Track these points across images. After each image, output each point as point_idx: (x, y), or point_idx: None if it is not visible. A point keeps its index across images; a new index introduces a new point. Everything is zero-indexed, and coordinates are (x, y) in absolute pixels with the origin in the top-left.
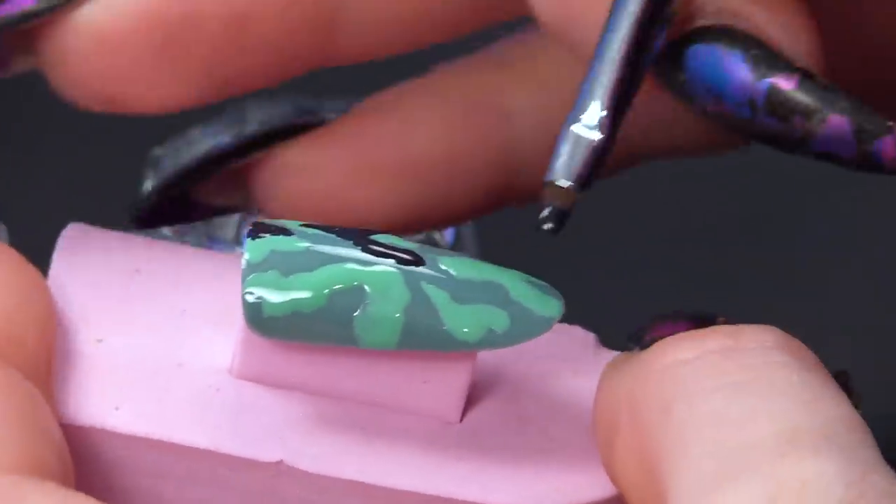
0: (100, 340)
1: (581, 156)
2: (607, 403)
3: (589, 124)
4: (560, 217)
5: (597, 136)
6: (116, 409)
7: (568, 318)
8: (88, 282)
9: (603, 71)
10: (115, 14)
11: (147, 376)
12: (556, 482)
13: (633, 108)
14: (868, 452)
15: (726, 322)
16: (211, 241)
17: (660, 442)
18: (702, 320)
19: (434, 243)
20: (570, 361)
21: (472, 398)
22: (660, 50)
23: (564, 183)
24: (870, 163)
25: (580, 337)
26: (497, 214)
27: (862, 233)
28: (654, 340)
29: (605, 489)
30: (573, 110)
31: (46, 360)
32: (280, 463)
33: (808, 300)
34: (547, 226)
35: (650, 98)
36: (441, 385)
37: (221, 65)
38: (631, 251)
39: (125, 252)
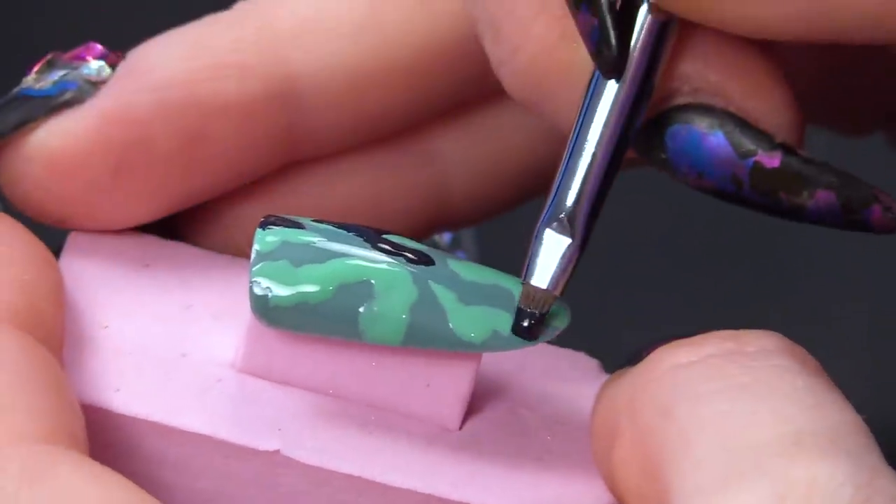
0: (106, 327)
1: (556, 261)
2: (606, 412)
3: (563, 228)
4: (539, 319)
5: (570, 241)
6: (117, 390)
7: (567, 336)
8: (97, 272)
9: (576, 171)
10: (67, 140)
11: (150, 363)
12: (551, 491)
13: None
14: (873, 457)
15: None
16: None
17: (661, 445)
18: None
19: (433, 243)
20: (572, 382)
21: (472, 408)
22: (638, 128)
23: (542, 286)
24: (860, 228)
25: (583, 362)
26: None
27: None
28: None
29: (602, 501)
30: (547, 209)
31: (61, 334)
32: (277, 453)
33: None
34: (526, 328)
35: None
36: (443, 389)
37: (177, 184)
38: (634, 269)
39: (135, 247)
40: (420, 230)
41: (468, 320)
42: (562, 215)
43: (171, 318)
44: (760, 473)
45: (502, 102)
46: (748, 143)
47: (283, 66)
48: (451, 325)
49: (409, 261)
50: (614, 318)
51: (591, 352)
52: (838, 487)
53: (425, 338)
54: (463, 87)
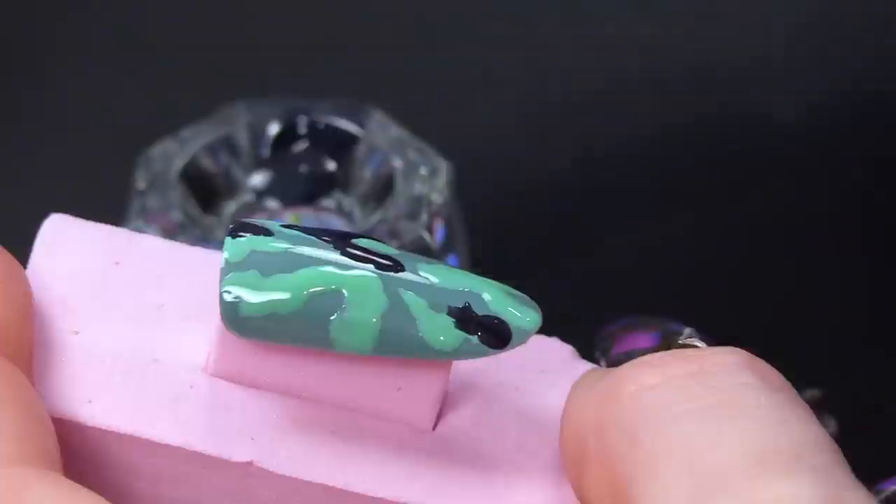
0: (76, 332)
1: None
2: (574, 430)
3: None
4: None
5: None
6: (89, 401)
7: (550, 323)
8: (68, 272)
9: None
10: None
11: (121, 370)
12: (525, 494)
13: None
14: (840, 472)
15: (693, 334)
16: (205, 242)
17: (629, 470)
18: (666, 335)
19: (424, 244)
20: (547, 373)
21: (446, 405)
22: None
23: None
24: None
25: (557, 349)
26: (487, 215)
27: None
28: (620, 357)
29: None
30: None
31: (29, 348)
32: (250, 464)
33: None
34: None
35: None
36: (415, 392)
37: None
38: (621, 262)
39: (106, 243)
40: None
41: (439, 328)
42: None
43: (142, 319)
44: (726, 495)
45: None
46: None
47: None
48: (421, 333)
49: (379, 266)
50: (594, 301)
51: (568, 330)
52: None
53: (396, 346)
54: None
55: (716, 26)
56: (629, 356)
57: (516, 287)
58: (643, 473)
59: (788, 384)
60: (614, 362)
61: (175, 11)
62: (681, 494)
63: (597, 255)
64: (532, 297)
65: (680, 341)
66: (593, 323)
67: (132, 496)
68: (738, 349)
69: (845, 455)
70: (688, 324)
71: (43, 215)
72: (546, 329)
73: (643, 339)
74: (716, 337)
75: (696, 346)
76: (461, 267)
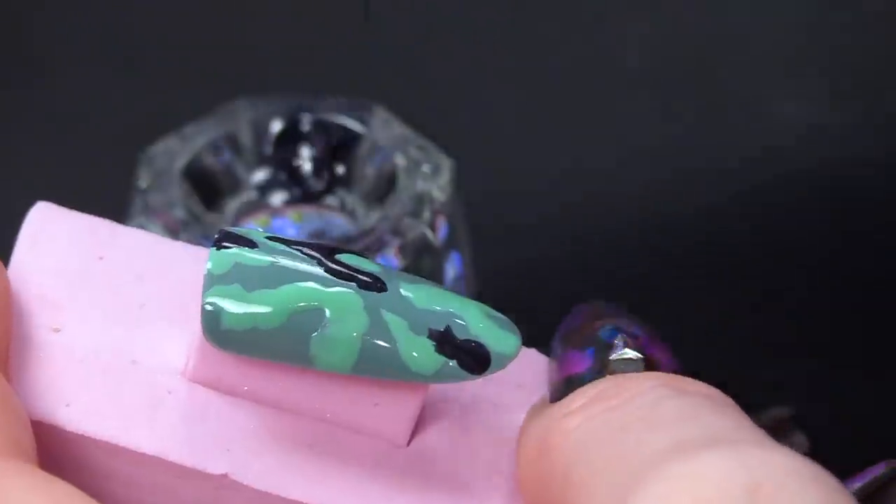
0: (57, 330)
1: None
2: (526, 486)
3: None
4: None
5: None
6: (67, 405)
7: (552, 322)
8: (50, 267)
9: None
10: None
11: (101, 372)
12: None
13: None
14: (763, 440)
15: (624, 344)
16: (206, 240)
17: None
18: (599, 352)
19: (427, 241)
20: (524, 387)
21: (422, 419)
22: None
23: None
24: None
25: (535, 360)
26: (489, 212)
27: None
28: (559, 386)
29: None
30: None
31: (4, 343)
32: (225, 476)
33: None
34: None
35: None
36: (391, 409)
37: None
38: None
39: (90, 237)
40: None
41: (418, 350)
42: None
43: (123, 318)
44: (645, 483)
45: None
46: None
47: None
48: (401, 355)
49: (362, 285)
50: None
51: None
52: (728, 474)
53: (375, 367)
54: None
55: (717, 26)
56: (568, 383)
57: (517, 288)
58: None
59: (712, 390)
60: (555, 390)
61: (177, 10)
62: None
63: (599, 253)
64: (526, 305)
65: (612, 357)
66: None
67: (108, 499)
68: (657, 373)
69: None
70: (671, 317)
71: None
72: (546, 328)
73: (580, 362)
74: (655, 328)
75: (629, 359)
76: (463, 265)
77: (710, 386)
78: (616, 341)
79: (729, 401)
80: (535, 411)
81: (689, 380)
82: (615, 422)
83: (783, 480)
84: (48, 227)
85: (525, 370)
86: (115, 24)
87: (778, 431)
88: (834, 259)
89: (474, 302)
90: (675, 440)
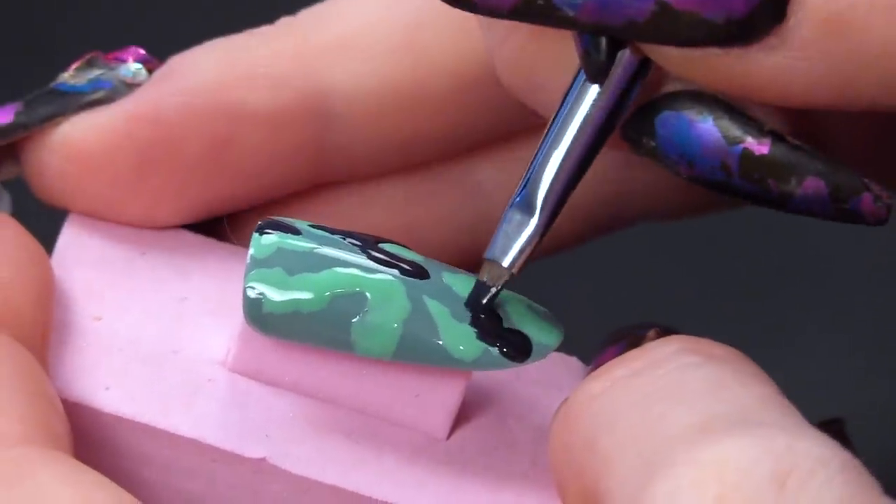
0: (98, 318)
1: (516, 239)
2: (553, 455)
3: (528, 208)
4: (492, 294)
5: (533, 221)
6: (107, 388)
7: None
8: (93, 259)
9: (549, 159)
10: (91, 135)
11: (141, 359)
12: None
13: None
14: (792, 422)
15: (658, 335)
16: None
17: (593, 477)
18: (631, 342)
19: None
20: (564, 391)
21: (461, 416)
22: (628, 116)
23: (500, 262)
24: (850, 219)
25: (574, 367)
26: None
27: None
28: (596, 368)
29: None
30: (518, 192)
31: (43, 331)
32: (263, 460)
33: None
34: (481, 300)
35: (629, 165)
36: (432, 400)
37: (202, 188)
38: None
39: (134, 233)
40: (455, 262)
41: (460, 337)
42: (530, 199)
43: (165, 311)
44: (672, 465)
45: None
46: (737, 131)
47: (318, 81)
48: (442, 341)
49: (404, 272)
50: (608, 315)
51: (588, 351)
52: (755, 461)
53: (416, 353)
54: (505, 116)
55: None
56: None
57: (537, 289)
58: (603, 476)
59: (736, 354)
60: None
61: (178, 10)
62: (633, 480)
63: (608, 251)
64: (553, 310)
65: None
66: (594, 330)
67: (143, 484)
68: (679, 336)
69: None
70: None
71: (49, 214)
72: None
73: (611, 353)
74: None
75: None
76: None
77: (733, 349)
78: (649, 333)
79: (754, 367)
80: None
81: (712, 342)
82: (639, 390)
83: (810, 469)
84: (90, 225)
85: (564, 374)
86: (117, 24)
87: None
88: None
89: (515, 294)
90: (702, 418)
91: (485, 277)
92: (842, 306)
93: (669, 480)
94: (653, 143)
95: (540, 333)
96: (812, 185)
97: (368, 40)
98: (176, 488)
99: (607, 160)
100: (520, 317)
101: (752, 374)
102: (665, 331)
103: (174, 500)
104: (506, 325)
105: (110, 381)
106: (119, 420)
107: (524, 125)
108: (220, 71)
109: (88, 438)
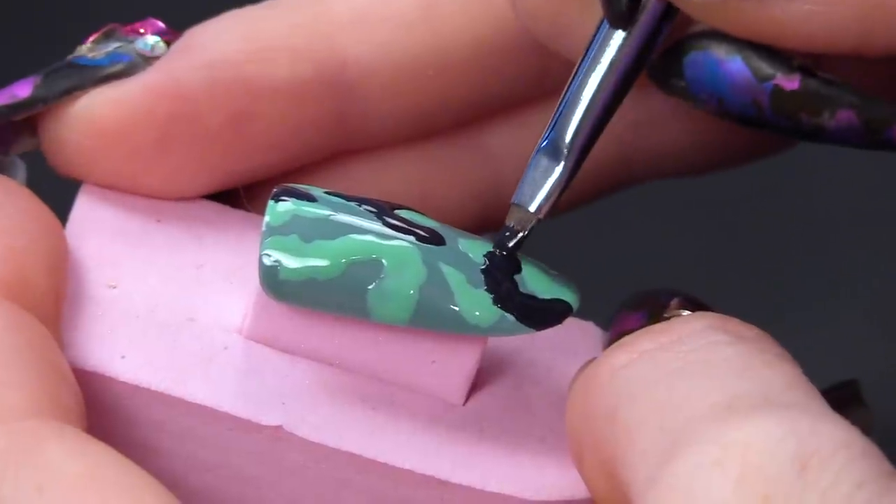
0: (113, 287)
1: (543, 183)
2: (571, 423)
3: (555, 153)
4: (520, 238)
5: (560, 166)
6: (123, 357)
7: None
8: (108, 228)
9: (577, 104)
10: (110, 109)
11: (157, 327)
12: (553, 476)
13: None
14: (815, 405)
15: (681, 304)
16: None
17: (613, 448)
18: (653, 311)
19: None
20: (580, 356)
21: (477, 382)
22: (657, 57)
23: (527, 207)
24: (882, 146)
25: (592, 332)
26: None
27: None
28: (616, 335)
29: None
30: (545, 136)
31: (56, 302)
32: (279, 428)
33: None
34: (507, 244)
35: (639, 123)
36: (448, 366)
37: (222, 160)
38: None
39: (149, 202)
40: (470, 228)
41: (476, 303)
42: (557, 143)
43: (181, 278)
44: (695, 443)
45: None
46: (766, 67)
47: (337, 52)
48: (458, 307)
49: (420, 238)
50: (624, 280)
51: (604, 315)
52: (778, 443)
53: (432, 319)
54: (521, 83)
55: None
56: (620, 339)
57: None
58: (624, 448)
59: (762, 334)
60: (606, 347)
61: (179, 8)
62: (655, 455)
63: (610, 232)
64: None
65: (665, 315)
66: (609, 295)
67: (159, 453)
68: (708, 313)
69: None
70: (689, 291)
71: (65, 184)
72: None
73: (632, 320)
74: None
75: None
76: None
77: (759, 330)
78: (671, 302)
79: (779, 348)
80: (584, 366)
81: (740, 322)
82: (665, 364)
83: (832, 452)
84: (105, 192)
85: (580, 340)
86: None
87: (841, 402)
88: None
89: (531, 259)
90: (727, 397)
91: (512, 222)
92: (853, 279)
93: (692, 458)
94: (682, 84)
95: (556, 299)
96: (845, 116)
97: (386, 11)
98: (191, 456)
99: (617, 121)
100: (536, 282)
101: (778, 354)
102: (686, 300)
103: (189, 468)
104: (522, 290)
105: (126, 349)
106: (135, 388)
107: (540, 91)
108: (240, 45)
109: (103, 407)
